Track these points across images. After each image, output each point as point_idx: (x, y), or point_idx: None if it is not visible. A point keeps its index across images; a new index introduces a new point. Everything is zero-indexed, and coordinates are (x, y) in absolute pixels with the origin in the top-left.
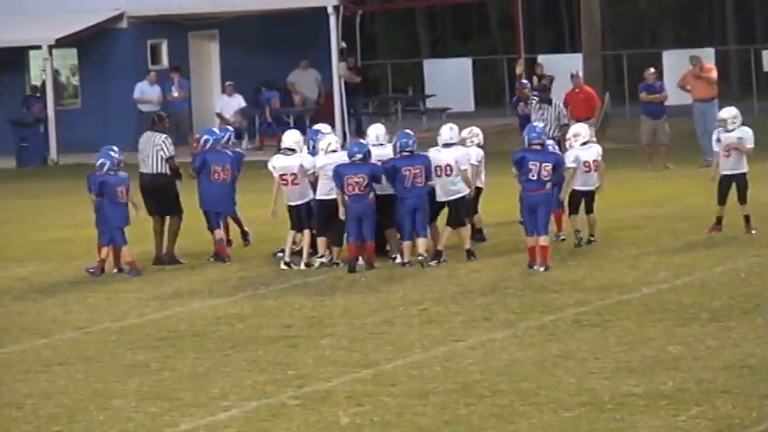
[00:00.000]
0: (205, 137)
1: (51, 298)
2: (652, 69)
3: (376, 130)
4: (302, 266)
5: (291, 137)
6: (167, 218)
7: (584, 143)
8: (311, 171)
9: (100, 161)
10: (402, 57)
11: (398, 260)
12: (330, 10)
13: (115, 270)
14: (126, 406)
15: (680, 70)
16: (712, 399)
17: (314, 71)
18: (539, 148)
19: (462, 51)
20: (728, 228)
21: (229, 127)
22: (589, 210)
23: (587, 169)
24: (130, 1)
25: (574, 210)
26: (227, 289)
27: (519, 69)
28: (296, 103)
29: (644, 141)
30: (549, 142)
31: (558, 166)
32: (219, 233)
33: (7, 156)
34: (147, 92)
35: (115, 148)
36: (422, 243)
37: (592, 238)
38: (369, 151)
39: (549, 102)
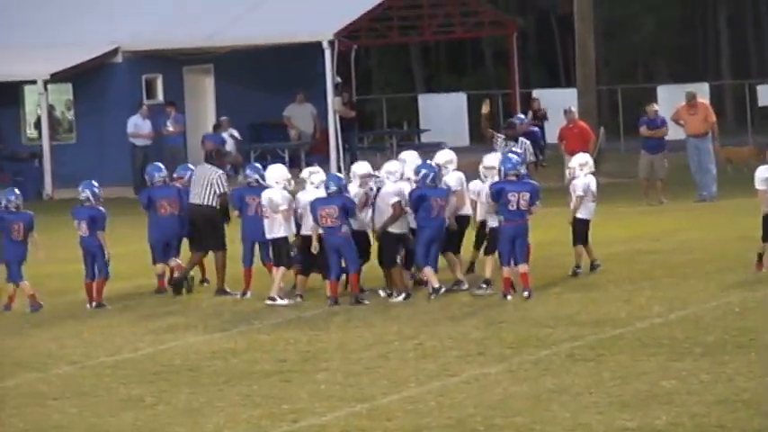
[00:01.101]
0: (149, 172)
1: (46, 332)
2: (655, 106)
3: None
4: (267, 300)
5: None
6: (211, 252)
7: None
8: (283, 207)
9: (83, 194)
10: (397, 91)
11: (396, 297)
12: (325, 45)
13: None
14: None
15: (675, 105)
16: None
17: (309, 105)
18: (515, 178)
19: (457, 86)
20: (722, 261)
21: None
22: (587, 238)
23: (592, 199)
24: (125, 36)
25: (583, 239)
26: (221, 323)
27: (485, 109)
28: (292, 137)
29: (641, 176)
30: (524, 172)
31: (535, 195)
32: (161, 267)
33: (2, 190)
34: (140, 126)
35: (95, 183)
36: (429, 273)
37: (598, 263)
38: (345, 185)
39: (516, 139)
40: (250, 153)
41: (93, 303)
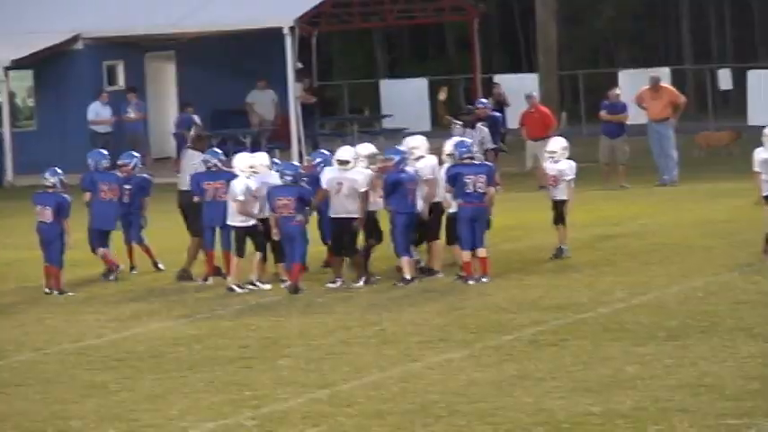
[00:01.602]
0: (94, 157)
1: (8, 319)
2: (617, 90)
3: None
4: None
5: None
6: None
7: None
8: (240, 198)
9: (51, 180)
10: (359, 77)
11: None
12: (286, 30)
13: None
14: (84, 427)
15: (637, 89)
16: (669, 417)
17: (271, 92)
18: (470, 161)
19: (419, 72)
20: (684, 246)
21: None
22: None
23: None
24: (86, 22)
25: (563, 220)
26: (184, 310)
27: (442, 96)
28: (253, 123)
29: (602, 160)
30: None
31: (491, 176)
32: (103, 251)
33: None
34: (100, 112)
35: (59, 170)
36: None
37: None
38: (299, 174)
39: (473, 126)
40: (212, 139)
41: (55, 291)
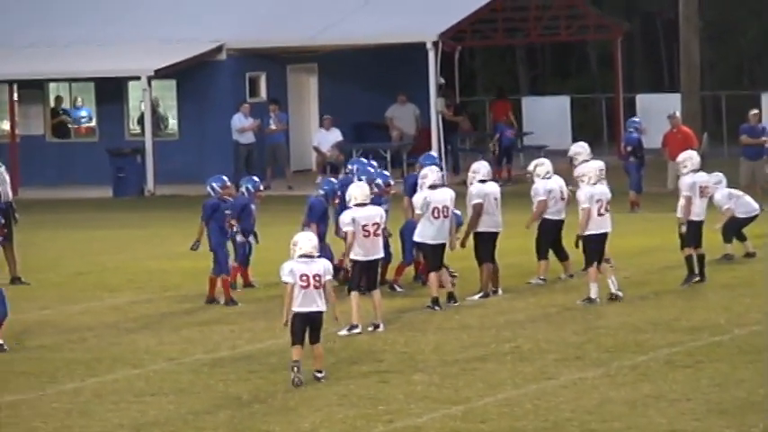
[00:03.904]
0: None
1: (145, 329)
2: (755, 111)
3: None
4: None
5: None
6: None
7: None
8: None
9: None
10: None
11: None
12: (429, 45)
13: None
14: None
15: None
16: None
17: (412, 106)
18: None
19: (561, 89)
20: None
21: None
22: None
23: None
24: (230, 33)
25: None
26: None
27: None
28: (393, 138)
29: (743, 183)
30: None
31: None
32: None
33: (105, 186)
34: (243, 123)
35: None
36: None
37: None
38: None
39: None
40: (352, 152)
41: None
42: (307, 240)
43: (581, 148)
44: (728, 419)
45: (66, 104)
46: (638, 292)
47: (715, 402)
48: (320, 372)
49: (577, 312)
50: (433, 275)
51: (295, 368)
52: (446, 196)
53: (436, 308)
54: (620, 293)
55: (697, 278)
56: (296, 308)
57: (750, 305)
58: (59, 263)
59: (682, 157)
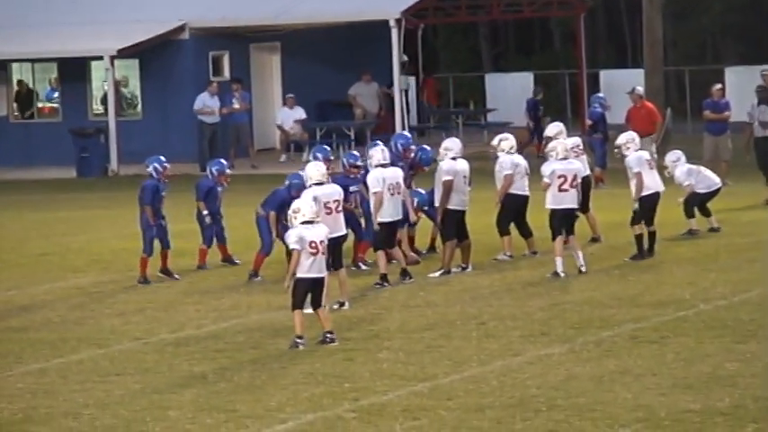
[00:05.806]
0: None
1: (109, 308)
2: (719, 85)
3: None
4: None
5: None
6: None
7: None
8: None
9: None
10: (464, 71)
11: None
12: (392, 23)
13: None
14: (182, 417)
15: (743, 87)
16: None
17: (375, 84)
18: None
19: (524, 66)
20: None
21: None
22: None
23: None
24: (193, 12)
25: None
26: (285, 302)
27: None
28: (356, 116)
29: (706, 158)
30: None
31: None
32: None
33: (68, 166)
34: (208, 103)
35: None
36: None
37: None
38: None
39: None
40: (316, 131)
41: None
42: (308, 206)
43: (557, 128)
44: (694, 394)
45: (30, 85)
46: (602, 267)
47: (680, 377)
48: (331, 332)
49: (542, 288)
50: (381, 253)
51: (300, 345)
52: (397, 174)
53: (385, 284)
54: (583, 268)
55: (645, 258)
56: (302, 273)
57: (715, 280)
58: (23, 244)
59: (624, 138)
